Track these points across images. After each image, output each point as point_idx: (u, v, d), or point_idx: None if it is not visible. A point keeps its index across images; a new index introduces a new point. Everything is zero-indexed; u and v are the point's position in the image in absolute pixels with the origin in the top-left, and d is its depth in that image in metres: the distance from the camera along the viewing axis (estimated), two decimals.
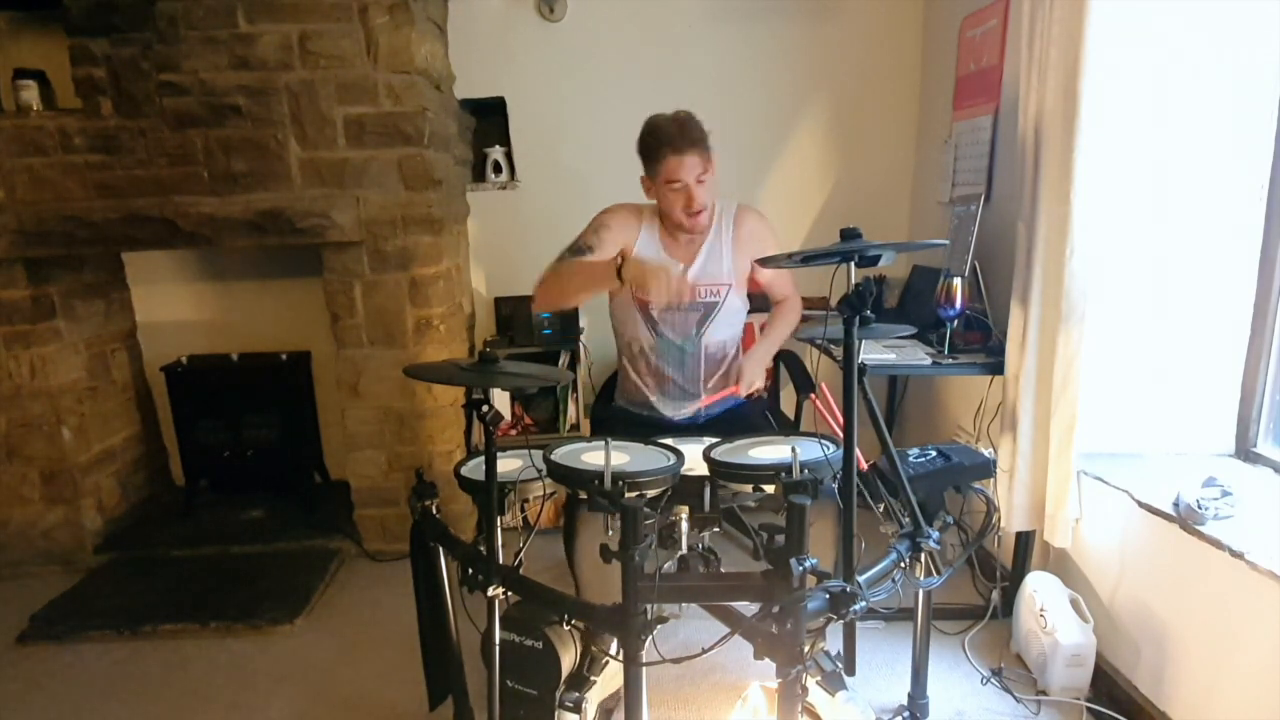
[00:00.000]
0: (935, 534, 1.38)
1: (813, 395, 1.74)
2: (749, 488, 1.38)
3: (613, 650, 1.55)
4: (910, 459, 1.55)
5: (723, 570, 1.67)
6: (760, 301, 2.11)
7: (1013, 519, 1.90)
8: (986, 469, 1.58)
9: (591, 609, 1.28)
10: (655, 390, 1.96)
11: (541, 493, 1.49)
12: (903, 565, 1.34)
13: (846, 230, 1.19)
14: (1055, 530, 1.82)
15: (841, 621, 1.23)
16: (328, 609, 2.33)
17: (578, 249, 1.83)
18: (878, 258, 1.18)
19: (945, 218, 2.40)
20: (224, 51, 2.25)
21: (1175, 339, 1.80)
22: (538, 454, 1.44)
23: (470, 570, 1.36)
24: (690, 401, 1.95)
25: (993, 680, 1.86)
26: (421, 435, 2.56)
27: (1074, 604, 1.82)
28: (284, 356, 2.90)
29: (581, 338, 2.78)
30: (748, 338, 2.10)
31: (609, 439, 1.32)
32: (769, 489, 1.35)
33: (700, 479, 1.43)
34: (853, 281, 1.17)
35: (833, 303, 1.19)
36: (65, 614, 2.31)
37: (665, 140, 1.74)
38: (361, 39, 2.26)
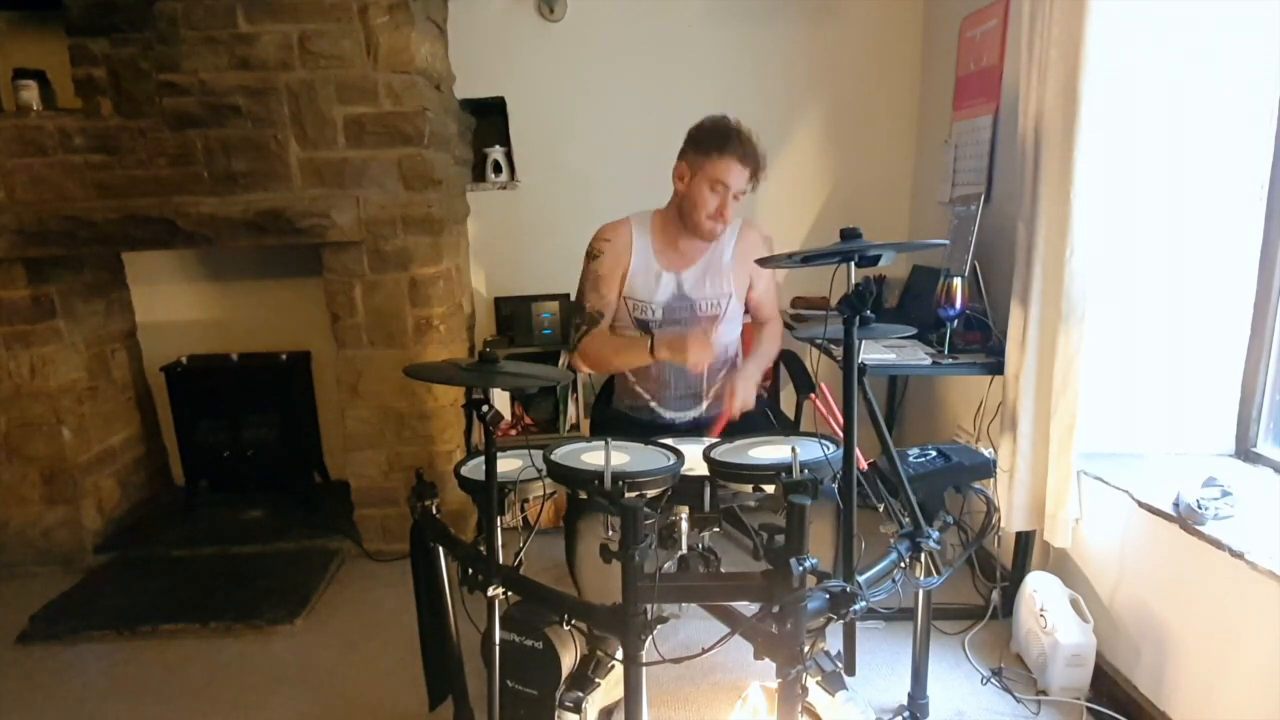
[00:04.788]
0: (935, 534, 1.38)
1: (813, 395, 1.74)
2: (749, 488, 1.38)
3: (614, 651, 1.55)
4: (910, 459, 1.56)
5: (723, 570, 1.67)
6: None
7: (1013, 519, 1.90)
8: (986, 469, 1.58)
9: (591, 609, 1.28)
10: (655, 396, 1.96)
11: (541, 493, 1.49)
12: (903, 565, 1.34)
13: (846, 230, 1.19)
14: (1055, 530, 1.81)
15: (841, 621, 1.23)
16: (328, 609, 2.33)
17: (592, 317, 1.86)
18: (878, 258, 1.18)
19: (945, 218, 2.40)
20: (224, 51, 2.25)
21: (1175, 339, 1.80)
22: (538, 454, 1.44)
23: (470, 570, 1.36)
24: (692, 404, 1.95)
25: (993, 680, 1.86)
26: (421, 435, 2.56)
27: (1074, 604, 1.82)
28: (284, 356, 2.91)
29: None
30: (745, 336, 2.10)
31: (609, 439, 1.32)
32: (769, 489, 1.35)
33: (700, 479, 1.43)
34: (853, 281, 1.17)
35: (833, 303, 1.19)
36: (65, 614, 2.31)
37: (731, 140, 1.70)
38: (361, 39, 2.26)
